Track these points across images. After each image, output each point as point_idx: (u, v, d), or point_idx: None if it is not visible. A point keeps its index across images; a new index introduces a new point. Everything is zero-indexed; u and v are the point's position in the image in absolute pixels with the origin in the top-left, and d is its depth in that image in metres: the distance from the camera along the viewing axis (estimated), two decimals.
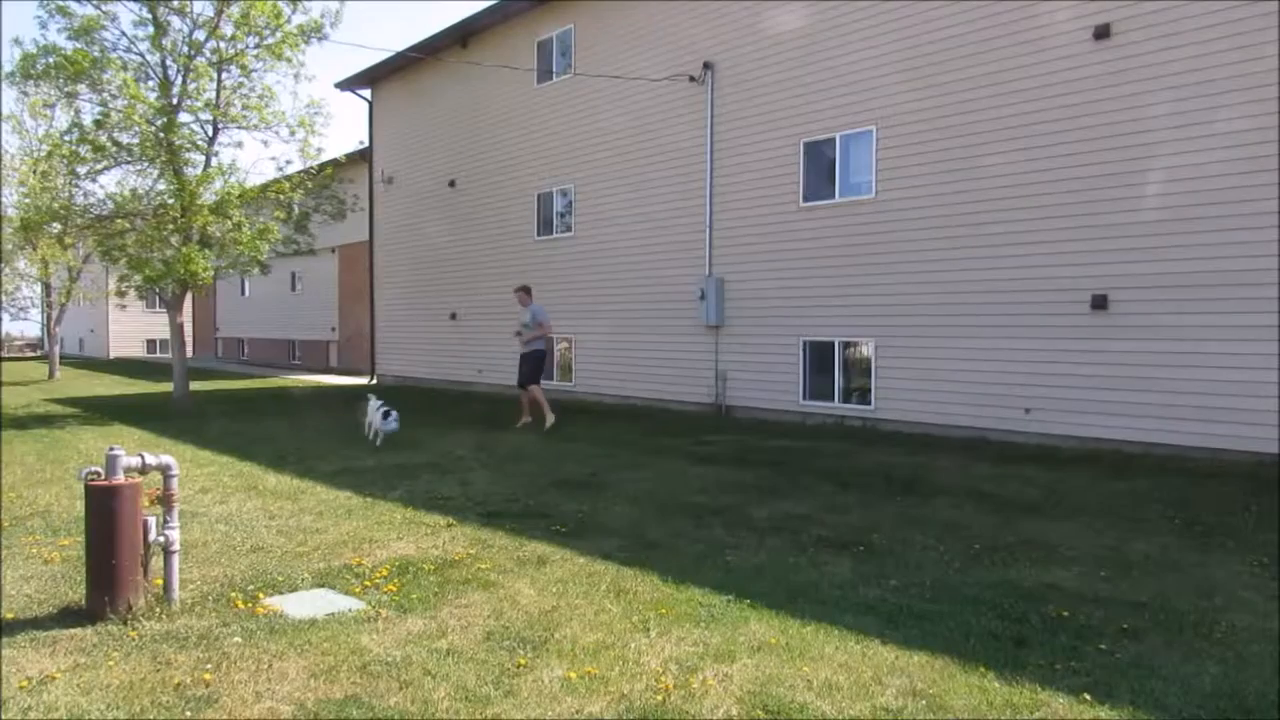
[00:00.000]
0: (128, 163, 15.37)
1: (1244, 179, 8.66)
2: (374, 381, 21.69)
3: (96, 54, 14.44)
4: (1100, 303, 9.64)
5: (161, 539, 4.33)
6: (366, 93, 21.98)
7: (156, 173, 15.51)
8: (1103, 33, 9.58)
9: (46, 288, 27.44)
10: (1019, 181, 10.28)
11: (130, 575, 4.17)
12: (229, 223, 15.24)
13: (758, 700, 3.28)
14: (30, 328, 45.60)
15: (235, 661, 3.66)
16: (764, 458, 9.32)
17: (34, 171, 20.61)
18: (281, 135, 15.73)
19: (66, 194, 17.39)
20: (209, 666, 3.60)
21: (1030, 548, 5.49)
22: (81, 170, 15.68)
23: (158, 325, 37.67)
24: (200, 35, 14.94)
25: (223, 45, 14.90)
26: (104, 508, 4.12)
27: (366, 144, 22.26)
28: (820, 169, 12.42)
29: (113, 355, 39.04)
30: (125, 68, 14.67)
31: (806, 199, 12.55)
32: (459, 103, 19.12)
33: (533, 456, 9.39)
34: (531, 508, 6.75)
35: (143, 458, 4.33)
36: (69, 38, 14.45)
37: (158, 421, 12.93)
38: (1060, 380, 9.96)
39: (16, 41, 21.50)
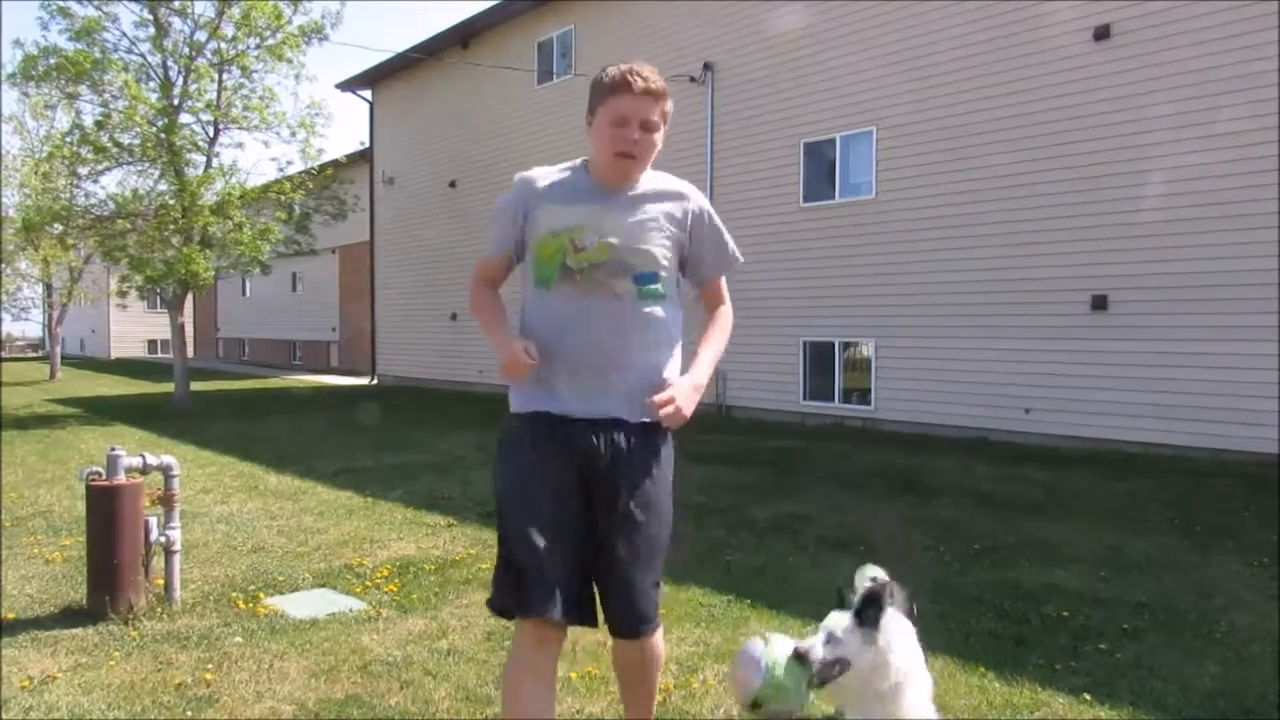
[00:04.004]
0: (129, 163, 15.40)
1: (1244, 179, 8.66)
2: (374, 381, 21.70)
3: (98, 55, 14.46)
4: (1100, 303, 9.64)
5: (162, 539, 4.33)
6: (367, 93, 21.99)
7: (157, 173, 15.54)
8: (1103, 33, 9.58)
9: (48, 288, 27.49)
10: (1019, 182, 10.29)
11: (131, 575, 4.17)
12: (230, 223, 15.26)
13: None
14: (31, 328, 45.69)
15: (236, 661, 3.66)
16: (764, 458, 9.33)
17: (35, 172, 20.63)
18: (282, 136, 15.78)
19: (68, 195, 17.41)
20: (210, 666, 3.60)
21: (1030, 548, 5.49)
22: (83, 171, 15.70)
23: (159, 326, 37.67)
24: (201, 36, 14.98)
25: (224, 46, 14.93)
26: (105, 508, 4.13)
27: (367, 144, 22.27)
28: (820, 169, 12.42)
29: (114, 356, 39.08)
30: (126, 69, 14.69)
31: (807, 199, 12.55)
32: (459, 103, 19.13)
33: None
34: None
35: (144, 458, 4.33)
36: (70, 39, 14.49)
37: (159, 422, 12.94)
38: (1060, 380, 9.96)
39: (18, 43, 21.61)
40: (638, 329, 2.19)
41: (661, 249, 2.23)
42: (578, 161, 2.29)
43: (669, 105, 2.17)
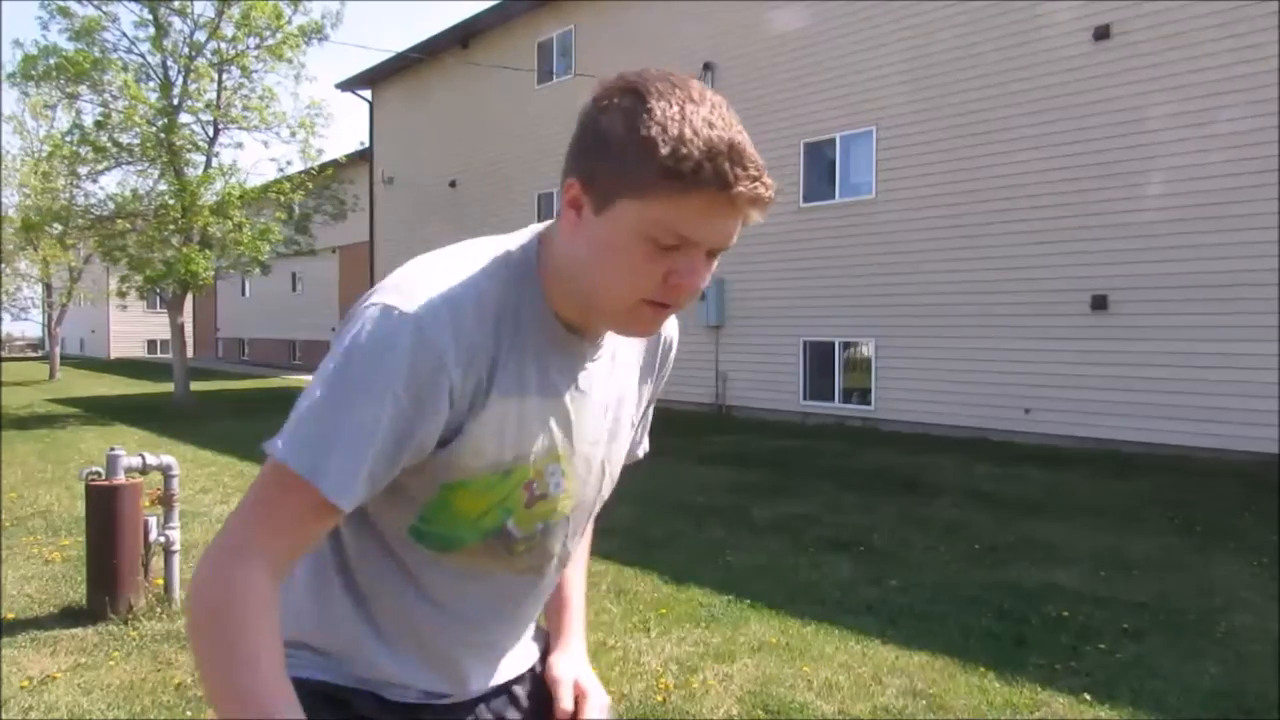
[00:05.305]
0: (128, 163, 15.40)
1: (1244, 179, 8.66)
2: None
3: (97, 55, 14.47)
4: (1100, 303, 9.64)
5: (162, 539, 4.33)
6: (367, 93, 21.99)
7: (157, 173, 15.54)
8: (1103, 33, 9.58)
9: (47, 288, 27.48)
10: (1019, 181, 10.28)
11: (131, 575, 4.17)
12: (229, 223, 15.26)
13: (758, 700, 3.28)
14: (31, 328, 45.68)
15: None
16: (764, 458, 9.33)
17: (35, 172, 20.63)
18: (282, 136, 15.80)
19: (68, 195, 17.42)
20: None
21: (1030, 548, 5.49)
22: (82, 171, 15.70)
23: (158, 326, 37.67)
24: (201, 36, 14.99)
25: (223, 46, 14.93)
26: (105, 508, 4.13)
27: (367, 144, 22.27)
28: (820, 169, 12.42)
29: (113, 356, 39.06)
30: (126, 69, 14.71)
31: (807, 199, 12.55)
32: (459, 103, 19.13)
33: None
34: None
35: (143, 458, 4.33)
36: (70, 39, 14.50)
37: (158, 421, 12.93)
38: (1060, 380, 9.96)
39: (18, 43, 21.61)
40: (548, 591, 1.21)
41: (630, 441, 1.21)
42: (514, 250, 1.01)
43: None
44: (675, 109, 0.88)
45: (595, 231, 0.92)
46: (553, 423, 1.02)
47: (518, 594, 1.13)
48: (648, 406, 1.23)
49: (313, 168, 16.60)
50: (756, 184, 0.88)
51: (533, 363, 0.99)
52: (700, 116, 0.88)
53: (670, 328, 1.18)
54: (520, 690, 1.22)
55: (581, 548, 1.30)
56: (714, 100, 0.92)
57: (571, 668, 1.23)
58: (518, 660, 1.22)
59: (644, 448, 1.30)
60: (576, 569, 1.30)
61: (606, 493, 1.17)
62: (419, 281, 0.94)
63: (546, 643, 1.29)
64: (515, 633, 1.18)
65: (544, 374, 1.00)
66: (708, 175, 0.86)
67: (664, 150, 0.86)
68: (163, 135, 14.56)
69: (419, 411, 0.91)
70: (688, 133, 0.86)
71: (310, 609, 1.07)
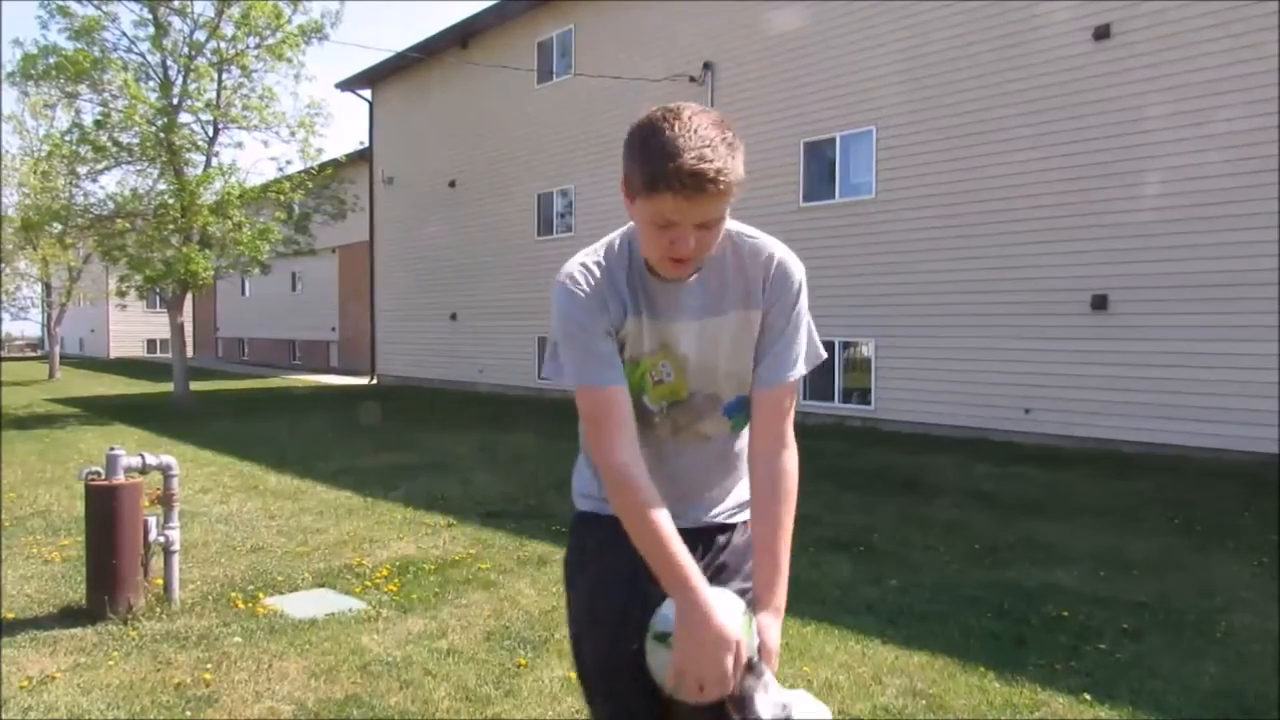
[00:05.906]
0: (128, 163, 15.39)
1: (1244, 179, 8.66)
2: (374, 381, 21.70)
3: (97, 54, 14.46)
4: (1100, 303, 9.64)
5: (162, 539, 4.33)
6: (367, 93, 21.98)
7: (157, 173, 15.54)
8: (1103, 33, 9.58)
9: (47, 288, 27.48)
10: (1018, 181, 10.28)
11: (130, 575, 4.17)
12: (229, 223, 15.25)
13: None
14: (31, 328, 45.69)
15: (235, 661, 3.66)
16: None
17: (35, 172, 20.60)
18: (282, 135, 15.77)
19: (67, 194, 17.41)
20: (209, 666, 3.60)
21: (1030, 548, 5.49)
22: (82, 170, 15.70)
23: (158, 325, 37.66)
24: (201, 36, 14.98)
25: (223, 45, 14.93)
26: (104, 508, 4.12)
27: (366, 144, 22.26)
28: (820, 169, 12.42)
29: (113, 355, 39.06)
30: (126, 68, 14.70)
31: (806, 199, 12.55)
32: (459, 103, 19.12)
33: (533, 457, 9.39)
34: (532, 508, 6.75)
35: (143, 458, 4.33)
36: (70, 38, 14.49)
37: (158, 421, 12.93)
38: (1060, 380, 9.96)
39: (17, 42, 21.60)
40: (731, 466, 1.79)
41: (750, 354, 1.65)
42: (626, 228, 1.62)
43: (739, 175, 1.42)
44: (658, 138, 1.39)
45: (634, 213, 1.49)
46: (657, 332, 1.59)
47: (671, 460, 1.66)
48: (779, 332, 1.63)
49: (312, 167, 16.58)
50: (706, 185, 1.37)
51: (642, 295, 1.57)
52: (672, 140, 1.37)
53: (780, 262, 1.61)
54: (737, 533, 1.79)
55: (785, 513, 1.75)
56: (695, 124, 1.39)
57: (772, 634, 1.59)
58: (723, 510, 1.78)
59: (795, 371, 1.69)
60: (782, 537, 1.74)
61: (730, 388, 1.66)
62: (571, 261, 1.60)
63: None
64: (693, 491, 1.71)
65: (650, 301, 1.57)
66: (663, 186, 1.38)
67: (644, 168, 1.40)
68: (162, 135, 14.55)
69: (599, 322, 1.53)
70: (659, 156, 1.37)
71: (589, 473, 1.71)
